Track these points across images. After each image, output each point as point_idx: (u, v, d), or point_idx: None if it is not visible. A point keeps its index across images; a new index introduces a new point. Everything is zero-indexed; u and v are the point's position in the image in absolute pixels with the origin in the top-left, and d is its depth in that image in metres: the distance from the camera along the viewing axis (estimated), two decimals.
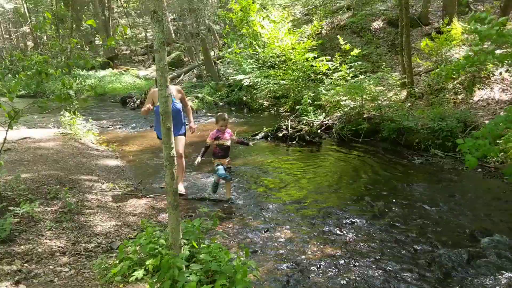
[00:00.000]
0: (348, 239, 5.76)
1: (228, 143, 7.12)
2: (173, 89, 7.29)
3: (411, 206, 6.88)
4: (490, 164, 8.71)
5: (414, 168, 9.15)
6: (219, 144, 7.04)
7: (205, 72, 22.85)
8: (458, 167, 8.97)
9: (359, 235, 5.87)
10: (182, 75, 25.61)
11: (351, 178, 8.64)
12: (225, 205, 7.15)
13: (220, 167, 7.03)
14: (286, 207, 6.96)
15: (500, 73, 11.88)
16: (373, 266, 5.08)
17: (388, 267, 5.05)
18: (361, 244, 5.63)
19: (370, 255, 5.35)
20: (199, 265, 3.99)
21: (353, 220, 6.37)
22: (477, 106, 11.39)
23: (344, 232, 5.98)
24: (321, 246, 5.56)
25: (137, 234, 5.01)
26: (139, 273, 3.90)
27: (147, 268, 3.99)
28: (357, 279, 4.82)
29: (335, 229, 6.08)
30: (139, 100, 19.89)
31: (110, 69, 29.80)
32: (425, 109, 11.66)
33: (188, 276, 3.78)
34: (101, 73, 27.85)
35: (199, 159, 6.93)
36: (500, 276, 4.79)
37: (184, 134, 7.62)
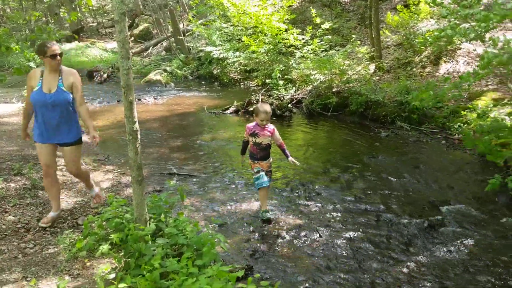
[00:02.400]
0: (315, 210, 5.86)
1: (268, 141, 5.60)
2: (65, 71, 5.01)
3: (377, 178, 7.03)
4: (454, 136, 8.93)
5: (380, 140, 9.31)
6: (256, 143, 5.58)
7: (174, 44, 22.46)
8: (423, 139, 9.16)
9: (326, 206, 5.98)
10: (151, 48, 25.14)
11: (320, 151, 8.75)
12: (263, 220, 5.62)
13: (261, 173, 5.61)
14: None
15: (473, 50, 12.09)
16: (338, 235, 5.19)
17: (353, 236, 5.17)
18: (328, 214, 5.74)
19: (336, 225, 5.46)
20: (165, 238, 4.00)
21: (321, 192, 6.48)
22: (443, 78, 11.58)
23: (312, 203, 6.08)
24: (289, 218, 5.65)
25: (103, 209, 4.97)
26: (105, 248, 3.89)
27: (113, 242, 3.98)
28: (322, 248, 4.94)
29: (303, 201, 6.17)
30: (106, 74, 19.48)
31: (76, 42, 28.97)
32: (393, 82, 11.80)
33: (154, 250, 3.80)
34: (67, 46, 27.02)
35: (242, 159, 6.05)
36: (458, 242, 4.98)
37: (78, 142, 5.19)
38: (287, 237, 5.16)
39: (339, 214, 5.75)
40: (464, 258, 4.68)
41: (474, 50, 11.35)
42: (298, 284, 4.27)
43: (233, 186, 6.80)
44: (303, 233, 5.26)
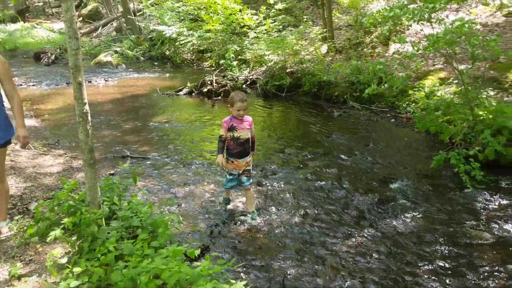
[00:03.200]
0: (270, 189, 5.94)
1: (248, 135, 5.08)
2: None
3: (330, 156, 7.19)
4: (402, 115, 9.22)
5: (333, 120, 9.50)
6: (234, 138, 4.99)
7: (124, 25, 21.86)
8: (373, 118, 9.42)
9: (281, 185, 6.08)
10: (100, 29, 24.35)
11: (275, 131, 8.84)
12: (247, 218, 5.23)
13: (230, 177, 5.22)
14: (211, 162, 7.01)
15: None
16: (293, 213, 5.30)
17: (307, 213, 5.30)
18: (282, 193, 5.84)
19: (290, 203, 5.58)
20: (119, 221, 3.97)
21: (276, 172, 6.57)
22: (393, 59, 11.88)
23: (267, 183, 6.16)
24: (244, 197, 5.70)
25: (55, 194, 4.85)
26: (57, 232, 3.81)
27: (65, 227, 3.90)
28: (278, 226, 5.03)
29: (260, 179, 6.24)
30: (54, 56, 18.77)
31: (21, 22, 27.67)
32: (345, 63, 11.99)
33: (109, 233, 3.76)
34: (12, 27, 25.77)
35: (220, 158, 4.98)
36: (407, 216, 5.20)
37: (7, 144, 4.38)
38: (243, 217, 5.22)
39: (294, 193, 5.85)
40: (412, 230, 4.90)
41: (421, 30, 11.68)
42: (254, 263, 4.35)
43: (188, 168, 6.78)
44: (259, 212, 5.33)
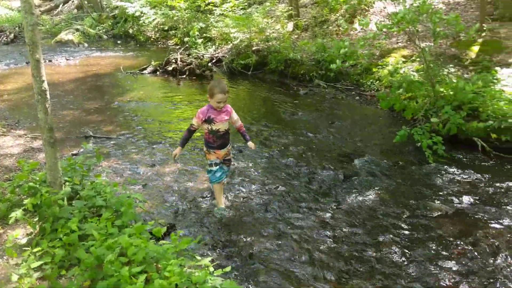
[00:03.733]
0: (237, 168, 5.95)
1: (226, 126, 4.68)
2: None
3: (296, 134, 7.24)
4: (366, 93, 9.34)
5: (299, 98, 9.54)
6: (212, 130, 4.60)
7: (86, 2, 21.17)
8: (338, 96, 9.51)
9: (248, 163, 6.09)
10: (61, 6, 23.50)
11: (241, 110, 8.80)
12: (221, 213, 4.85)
13: (216, 168, 4.74)
14: (176, 142, 6.95)
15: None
16: (258, 188, 5.34)
17: (273, 190, 5.34)
18: (248, 171, 5.86)
19: (256, 179, 5.61)
20: (82, 201, 3.91)
21: (242, 149, 6.57)
22: (357, 36, 11.97)
23: (233, 161, 6.16)
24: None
25: (14, 175, 4.72)
26: (18, 214, 3.72)
27: (26, 208, 3.82)
28: (244, 203, 5.06)
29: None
30: (12, 34, 18.08)
31: None
32: (310, 40, 12.01)
33: (71, 213, 3.70)
34: None
35: (177, 152, 4.70)
36: (369, 190, 5.32)
37: None
38: (209, 196, 5.23)
39: (260, 170, 5.89)
40: (375, 204, 5.01)
41: (385, 8, 11.78)
42: (220, 239, 4.38)
43: (154, 147, 6.71)
44: (225, 189, 5.34)
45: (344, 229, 4.54)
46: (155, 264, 3.18)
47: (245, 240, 4.36)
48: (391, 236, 4.40)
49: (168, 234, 4.13)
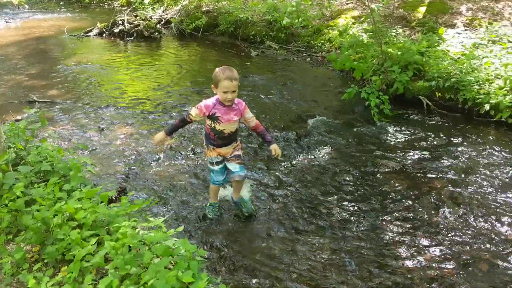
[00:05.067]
0: (188, 131, 5.89)
1: (234, 128, 3.77)
2: None
3: (248, 96, 7.20)
4: (317, 54, 9.39)
5: (251, 60, 9.47)
6: (215, 130, 3.72)
7: None
8: (290, 57, 9.51)
9: (199, 126, 6.02)
10: None
11: (191, 73, 8.68)
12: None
13: (217, 167, 3.92)
14: (125, 105, 6.78)
15: None
16: None
17: None
18: (199, 133, 5.82)
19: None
20: (28, 166, 3.77)
21: None
22: None
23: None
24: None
25: None
26: None
27: None
28: (195, 165, 5.05)
29: (175, 122, 6.14)
30: None
31: None
32: (261, 1, 11.84)
33: (17, 179, 3.57)
34: None
35: (160, 138, 3.85)
36: (320, 149, 5.42)
37: None
38: (162, 157, 5.17)
39: None
40: (326, 163, 5.13)
41: None
42: (173, 201, 4.36)
43: (101, 111, 6.52)
44: (176, 152, 5.30)
45: (297, 187, 4.63)
46: (106, 227, 3.14)
47: (198, 199, 4.37)
48: (341, 192, 4.54)
49: (119, 198, 4.07)
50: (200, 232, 3.89)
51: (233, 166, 3.87)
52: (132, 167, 4.98)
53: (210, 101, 3.65)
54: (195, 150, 5.35)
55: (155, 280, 2.46)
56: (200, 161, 5.12)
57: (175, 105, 6.76)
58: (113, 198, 3.89)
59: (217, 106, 3.60)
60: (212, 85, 3.58)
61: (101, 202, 3.42)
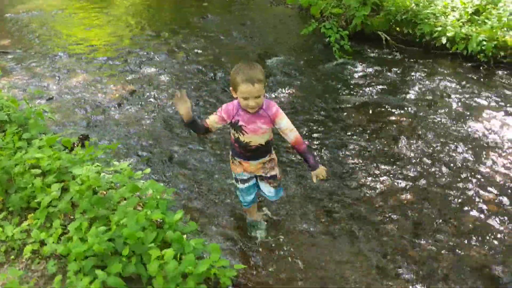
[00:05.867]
0: (147, 75, 5.78)
1: (265, 139, 2.89)
2: None
3: (207, 38, 7.06)
4: None
5: (208, 0, 9.20)
6: (239, 141, 2.90)
7: None
8: None
9: (158, 70, 5.93)
10: None
11: (148, 17, 8.38)
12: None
13: (243, 186, 3.14)
14: (80, 52, 6.55)
15: None
16: (169, 92, 5.26)
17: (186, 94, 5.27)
18: (157, 77, 5.72)
19: (166, 86, 5.52)
20: None
21: (151, 57, 6.35)
22: None
23: (143, 68, 5.97)
24: (121, 84, 5.50)
25: None
26: None
27: None
28: (154, 109, 5.00)
29: (134, 67, 6.01)
30: None
31: None
32: None
33: None
34: None
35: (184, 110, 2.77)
36: (283, 88, 5.43)
37: None
38: (123, 103, 5.09)
39: (170, 77, 5.76)
40: (290, 101, 5.16)
41: None
42: (138, 145, 4.34)
43: (56, 59, 6.29)
44: (136, 97, 5.22)
45: None
46: (70, 173, 3.11)
47: (165, 141, 4.36)
48: (306, 128, 4.60)
49: (81, 145, 4.02)
50: (167, 175, 3.91)
51: (268, 189, 3.16)
52: (93, 115, 4.88)
53: (232, 104, 2.80)
54: (154, 96, 5.27)
55: (126, 220, 2.49)
56: (161, 105, 5.06)
57: (131, 50, 6.57)
58: (75, 145, 3.83)
59: (239, 111, 2.75)
60: (231, 88, 2.70)
61: (64, 149, 3.39)
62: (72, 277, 2.32)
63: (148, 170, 3.11)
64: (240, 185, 3.13)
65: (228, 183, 3.77)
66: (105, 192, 2.91)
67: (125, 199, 2.87)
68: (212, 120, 2.80)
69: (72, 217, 2.83)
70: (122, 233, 2.43)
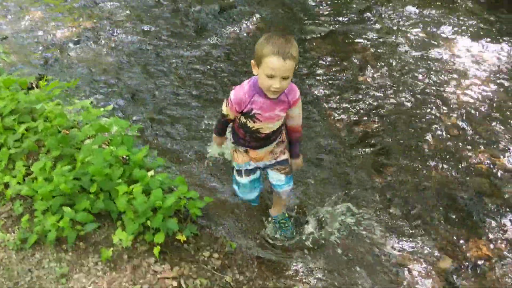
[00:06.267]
0: (104, 10, 5.49)
1: (277, 126, 2.42)
2: None
3: None
4: None
5: None
6: (245, 126, 2.40)
7: None
8: None
9: (117, 4, 5.61)
10: None
11: None
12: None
13: (245, 180, 2.65)
14: None
15: None
16: (134, 32, 5.06)
17: (147, 30, 5.08)
18: (119, 12, 5.44)
19: (127, 20, 5.29)
20: None
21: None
22: None
23: (101, 2, 5.65)
24: (78, 20, 5.24)
25: None
26: None
27: None
28: (114, 44, 4.83)
29: (91, 2, 5.66)
30: None
31: None
32: None
33: None
34: None
35: (218, 143, 2.71)
36: (246, 21, 5.28)
37: None
38: (81, 40, 4.87)
39: (130, 11, 5.48)
40: (254, 33, 5.04)
41: None
42: (99, 83, 4.22)
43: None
44: (95, 34, 5.00)
45: (223, 58, 4.58)
46: (30, 114, 3.01)
47: (127, 80, 4.25)
48: None
49: (38, 85, 3.88)
50: (130, 111, 3.84)
51: (277, 177, 2.62)
52: (50, 53, 4.68)
53: (242, 90, 2.27)
54: (118, 35, 5.05)
55: (92, 158, 2.45)
56: (121, 41, 4.87)
57: None
58: (32, 85, 3.68)
59: (255, 98, 2.24)
60: (252, 61, 2.17)
61: (21, 89, 3.26)
62: (39, 216, 2.32)
63: (111, 107, 3.04)
64: (243, 179, 2.59)
65: (195, 117, 3.75)
66: (67, 131, 2.84)
67: (89, 138, 2.82)
68: (228, 112, 2.36)
69: (35, 158, 2.77)
70: (88, 170, 2.40)
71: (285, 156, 2.58)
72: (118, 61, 4.56)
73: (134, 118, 3.74)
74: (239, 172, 2.60)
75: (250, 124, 2.34)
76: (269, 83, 2.08)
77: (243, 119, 2.34)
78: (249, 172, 2.59)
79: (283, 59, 2.01)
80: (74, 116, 2.81)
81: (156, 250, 2.28)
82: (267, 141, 2.47)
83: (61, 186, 2.31)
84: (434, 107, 3.86)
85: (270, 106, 2.26)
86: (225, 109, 2.37)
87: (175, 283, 2.21)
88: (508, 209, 2.98)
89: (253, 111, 2.27)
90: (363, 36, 4.94)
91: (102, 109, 2.94)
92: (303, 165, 2.73)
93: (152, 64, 4.52)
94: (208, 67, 4.49)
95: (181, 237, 2.42)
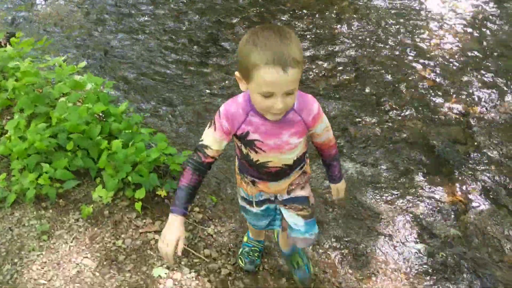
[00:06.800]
0: None
1: (292, 157, 1.66)
2: None
3: None
4: None
5: None
6: (247, 158, 1.66)
7: None
8: None
9: None
10: None
11: None
12: None
13: (255, 210, 1.92)
14: None
15: None
16: None
17: None
18: None
19: None
20: None
21: None
22: None
23: None
24: None
25: None
26: None
27: None
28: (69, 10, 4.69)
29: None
30: None
31: None
32: None
33: None
34: None
35: (177, 237, 1.49)
36: None
37: None
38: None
39: None
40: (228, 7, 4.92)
41: None
42: (68, 39, 4.10)
43: None
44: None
45: (195, 18, 4.48)
46: (1, 72, 2.93)
47: (97, 38, 4.14)
48: (245, 15, 4.47)
49: (8, 44, 3.75)
50: (104, 67, 3.77)
51: (293, 220, 1.90)
52: (18, 11, 4.51)
53: (236, 103, 1.57)
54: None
55: (67, 115, 2.41)
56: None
57: None
58: (1, 43, 3.56)
59: (250, 116, 1.55)
60: (236, 73, 1.46)
61: None
62: (17, 174, 2.29)
63: (84, 63, 2.97)
64: (253, 209, 1.93)
65: (170, 73, 3.69)
66: (40, 90, 2.77)
67: (64, 95, 2.76)
68: (212, 141, 1.56)
69: (8, 117, 2.72)
70: (65, 127, 2.37)
71: (304, 192, 1.86)
72: (89, 18, 4.43)
73: (108, 75, 3.67)
74: (249, 202, 1.92)
75: (252, 155, 1.65)
76: (267, 104, 1.40)
77: (240, 146, 1.65)
78: (259, 203, 1.89)
79: (282, 69, 1.30)
80: (47, 74, 2.73)
81: (138, 206, 2.29)
82: (281, 176, 1.77)
83: (36, 143, 2.28)
84: (409, 58, 3.88)
85: (273, 130, 1.56)
86: (207, 133, 1.58)
87: (157, 237, 2.23)
88: (480, 156, 3.05)
89: (250, 136, 1.57)
90: None
91: (74, 65, 2.87)
92: (347, 193, 2.06)
93: (126, 20, 4.40)
94: (181, 24, 4.38)
95: (162, 192, 2.43)
